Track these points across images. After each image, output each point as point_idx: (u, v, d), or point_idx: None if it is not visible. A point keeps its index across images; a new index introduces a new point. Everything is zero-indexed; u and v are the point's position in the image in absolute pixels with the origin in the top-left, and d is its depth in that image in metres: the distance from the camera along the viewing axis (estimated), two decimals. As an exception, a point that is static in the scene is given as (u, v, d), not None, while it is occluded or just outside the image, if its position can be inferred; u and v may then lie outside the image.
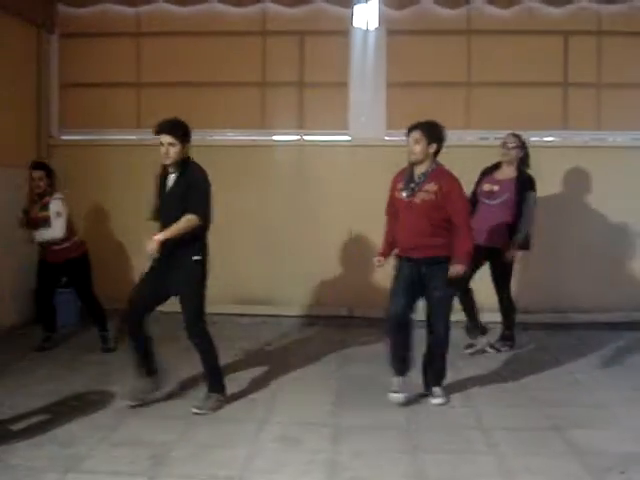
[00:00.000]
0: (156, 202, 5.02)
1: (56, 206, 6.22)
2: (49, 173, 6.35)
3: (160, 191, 4.98)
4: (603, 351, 6.51)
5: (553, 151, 7.56)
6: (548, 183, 7.03)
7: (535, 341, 6.80)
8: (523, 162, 6.31)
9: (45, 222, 6.21)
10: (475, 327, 6.44)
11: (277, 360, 6.17)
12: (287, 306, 7.63)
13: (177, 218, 4.71)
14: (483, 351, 6.36)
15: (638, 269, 7.54)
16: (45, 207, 6.25)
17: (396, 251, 5.13)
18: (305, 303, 7.64)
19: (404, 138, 7.61)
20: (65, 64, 7.92)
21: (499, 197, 6.17)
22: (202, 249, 4.88)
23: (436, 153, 4.99)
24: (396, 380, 5.03)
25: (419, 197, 4.91)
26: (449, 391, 5.23)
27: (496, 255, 6.17)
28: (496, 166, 6.36)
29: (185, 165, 4.88)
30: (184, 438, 4.40)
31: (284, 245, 7.65)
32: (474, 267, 5.85)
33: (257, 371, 5.78)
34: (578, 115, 7.72)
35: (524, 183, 6.19)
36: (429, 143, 4.92)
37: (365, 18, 7.65)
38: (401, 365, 5.05)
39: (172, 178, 4.88)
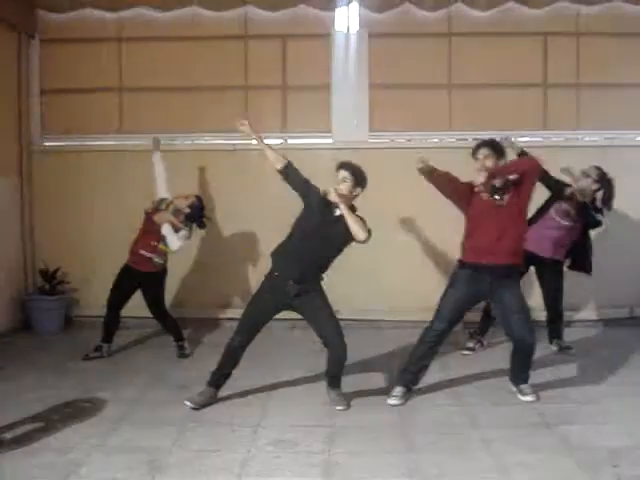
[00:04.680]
0: (305, 221, 5.04)
1: None
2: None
3: (314, 214, 4.97)
4: (587, 347, 6.63)
5: (533, 151, 7.61)
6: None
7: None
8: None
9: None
10: (481, 335, 6.63)
11: (270, 364, 6.19)
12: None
13: (324, 254, 4.97)
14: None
15: (613, 267, 7.51)
16: None
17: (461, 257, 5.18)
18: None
19: (387, 140, 7.84)
20: (46, 70, 7.86)
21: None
22: None
23: None
24: (399, 390, 5.16)
25: (509, 201, 5.02)
26: (440, 390, 5.36)
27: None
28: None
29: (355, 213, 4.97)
30: (179, 443, 4.39)
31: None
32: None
33: (251, 375, 5.76)
34: (557, 115, 7.82)
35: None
36: (498, 159, 5.07)
37: (346, 21, 7.69)
38: (413, 378, 5.18)
39: (338, 212, 4.90)
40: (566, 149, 7.63)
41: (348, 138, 7.68)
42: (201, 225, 6.45)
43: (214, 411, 4.99)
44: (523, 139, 7.79)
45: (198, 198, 6.40)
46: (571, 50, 7.71)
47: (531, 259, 5.93)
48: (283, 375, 5.82)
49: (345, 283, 7.37)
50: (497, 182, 4.98)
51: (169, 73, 7.79)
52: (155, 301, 6.46)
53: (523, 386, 5.20)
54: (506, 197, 5.00)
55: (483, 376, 5.75)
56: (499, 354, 6.31)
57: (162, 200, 6.30)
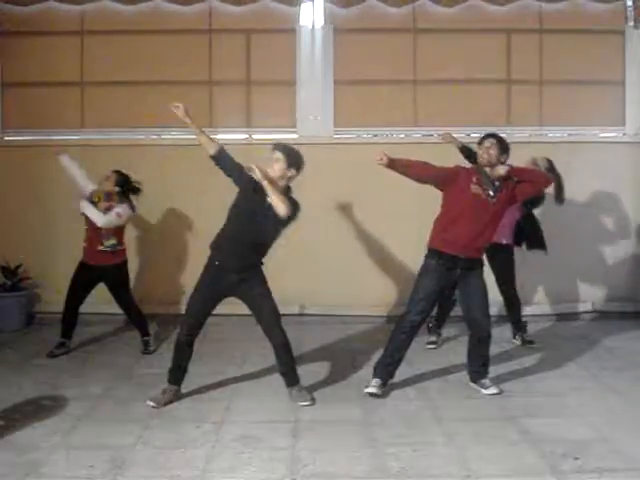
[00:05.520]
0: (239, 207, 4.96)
1: None
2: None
3: (247, 199, 4.89)
4: (551, 341, 6.71)
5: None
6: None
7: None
8: None
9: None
10: (440, 327, 6.64)
11: (234, 359, 6.18)
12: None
13: (260, 240, 4.90)
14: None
15: (574, 261, 7.63)
16: None
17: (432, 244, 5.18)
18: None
19: (352, 136, 7.84)
20: (7, 63, 7.74)
21: None
22: None
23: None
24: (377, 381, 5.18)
25: (499, 198, 5.05)
26: (405, 385, 5.37)
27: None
28: None
29: (288, 194, 4.90)
30: (143, 440, 4.35)
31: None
32: None
33: (216, 370, 5.76)
34: (521, 112, 7.89)
35: None
36: (502, 152, 5.09)
37: (311, 16, 7.69)
38: (391, 370, 5.22)
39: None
40: (530, 145, 7.65)
41: (313, 134, 7.66)
42: (135, 191, 6.39)
43: (178, 407, 4.96)
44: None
45: (118, 172, 6.34)
46: (534, 47, 7.79)
47: None
48: (248, 370, 5.80)
49: (311, 278, 7.41)
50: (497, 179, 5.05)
51: (132, 67, 7.71)
52: (120, 292, 6.41)
53: (484, 380, 5.25)
54: (498, 195, 5.04)
55: (448, 370, 5.78)
56: (463, 348, 6.35)
57: (91, 193, 6.26)
